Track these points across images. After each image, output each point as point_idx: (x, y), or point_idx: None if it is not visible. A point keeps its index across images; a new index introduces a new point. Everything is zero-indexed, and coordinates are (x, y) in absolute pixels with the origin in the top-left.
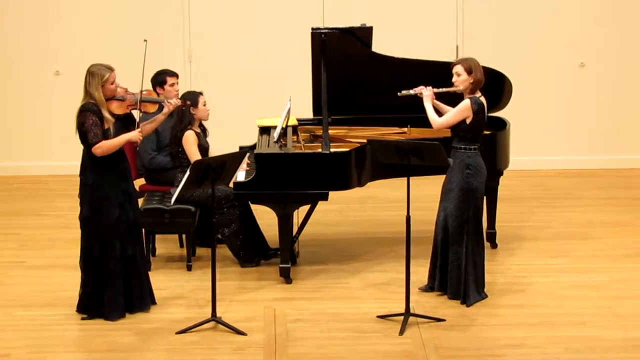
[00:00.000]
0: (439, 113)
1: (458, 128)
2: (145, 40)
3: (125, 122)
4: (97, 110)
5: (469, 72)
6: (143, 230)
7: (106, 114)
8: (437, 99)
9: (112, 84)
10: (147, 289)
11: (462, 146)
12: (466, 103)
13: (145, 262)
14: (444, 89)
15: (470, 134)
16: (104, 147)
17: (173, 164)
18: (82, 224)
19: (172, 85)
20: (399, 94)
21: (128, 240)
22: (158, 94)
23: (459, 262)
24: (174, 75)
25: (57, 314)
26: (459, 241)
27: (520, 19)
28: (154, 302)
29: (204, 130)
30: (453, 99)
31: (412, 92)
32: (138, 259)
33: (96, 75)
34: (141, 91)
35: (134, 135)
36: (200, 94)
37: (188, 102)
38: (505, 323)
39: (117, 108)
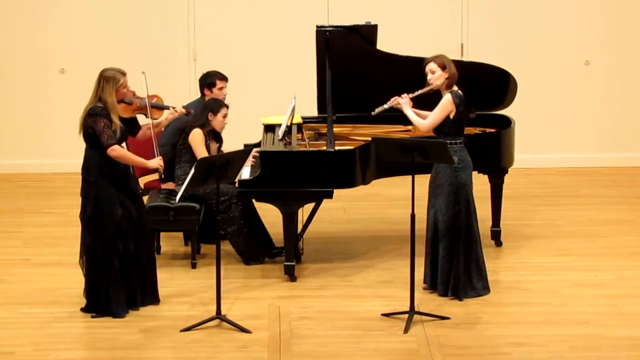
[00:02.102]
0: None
1: (442, 124)
2: (143, 73)
3: (129, 125)
4: (106, 114)
5: (443, 67)
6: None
7: (115, 119)
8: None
9: (124, 87)
10: (151, 287)
11: (448, 141)
12: (448, 98)
13: (152, 259)
14: (421, 91)
15: (454, 129)
16: (120, 152)
17: (173, 156)
18: (85, 222)
19: (221, 89)
20: (372, 113)
21: (131, 238)
22: (204, 95)
23: (449, 257)
24: (224, 78)
25: (62, 312)
26: (450, 236)
27: (525, 17)
28: (158, 300)
29: (215, 136)
30: (423, 102)
31: (386, 106)
32: (142, 256)
33: (111, 80)
34: (148, 96)
35: (154, 163)
36: (226, 106)
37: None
38: (509, 321)
39: (124, 111)
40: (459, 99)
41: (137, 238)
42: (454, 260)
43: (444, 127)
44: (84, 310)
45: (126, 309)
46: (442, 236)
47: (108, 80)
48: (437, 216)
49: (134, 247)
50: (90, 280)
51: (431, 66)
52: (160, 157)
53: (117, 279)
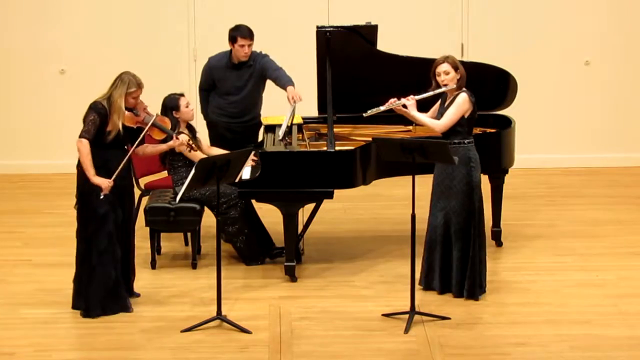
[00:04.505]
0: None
1: (457, 123)
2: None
3: (132, 136)
4: (104, 113)
5: (456, 68)
6: (136, 230)
7: (115, 120)
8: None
9: (134, 98)
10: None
11: (460, 140)
12: (464, 97)
13: (128, 261)
14: (431, 93)
15: (467, 127)
16: (84, 147)
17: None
18: (77, 219)
19: (242, 46)
20: (364, 115)
21: (116, 240)
22: (231, 50)
23: (465, 258)
24: (246, 37)
25: (63, 312)
26: (465, 237)
27: (525, 17)
28: (133, 295)
29: (191, 130)
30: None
31: (383, 108)
32: (123, 259)
33: (125, 84)
34: (157, 114)
35: (99, 180)
36: (182, 95)
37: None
38: (510, 321)
39: (127, 119)
40: (474, 98)
41: (120, 240)
42: (470, 260)
43: (458, 126)
44: (74, 307)
45: (100, 311)
46: (456, 238)
47: (123, 82)
48: (448, 218)
49: (119, 250)
50: (76, 276)
51: (445, 67)
52: (111, 182)
53: (95, 277)
